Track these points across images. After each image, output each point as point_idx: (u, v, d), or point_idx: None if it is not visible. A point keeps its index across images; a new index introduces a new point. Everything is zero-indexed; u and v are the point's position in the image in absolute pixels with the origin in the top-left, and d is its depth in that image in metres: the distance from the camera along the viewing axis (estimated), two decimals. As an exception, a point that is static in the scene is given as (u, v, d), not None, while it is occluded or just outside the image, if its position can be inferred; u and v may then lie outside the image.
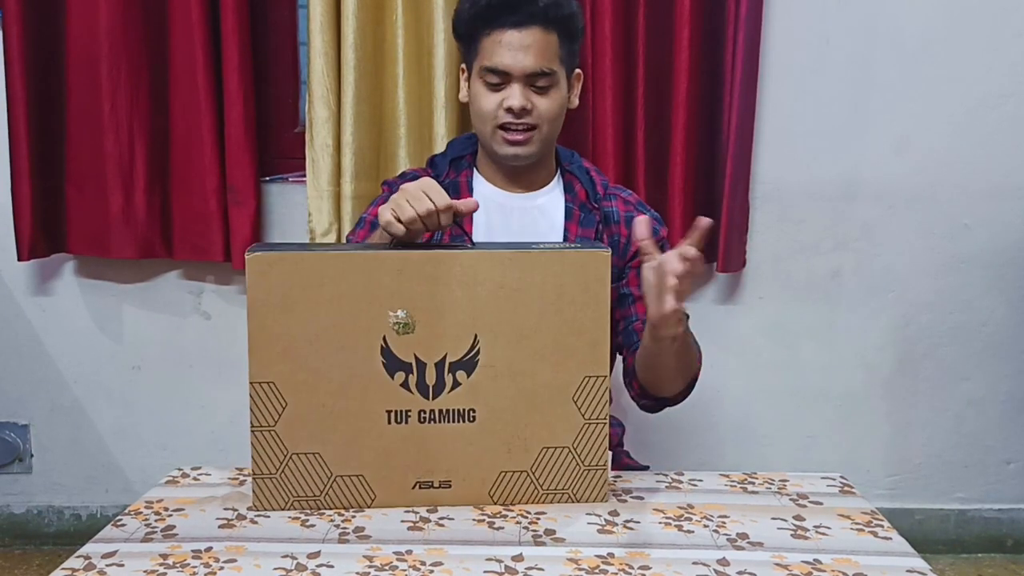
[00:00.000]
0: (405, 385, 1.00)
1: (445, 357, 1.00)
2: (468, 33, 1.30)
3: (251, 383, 0.97)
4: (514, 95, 1.24)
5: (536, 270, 1.01)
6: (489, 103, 1.26)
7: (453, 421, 1.01)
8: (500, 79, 1.25)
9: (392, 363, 1.00)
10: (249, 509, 1.02)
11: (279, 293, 0.97)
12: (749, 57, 1.91)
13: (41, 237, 1.96)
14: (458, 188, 1.33)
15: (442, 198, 1.02)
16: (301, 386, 0.98)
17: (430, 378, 1.00)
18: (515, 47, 1.23)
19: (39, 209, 1.94)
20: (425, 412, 1.01)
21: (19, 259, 1.96)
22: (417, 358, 1.00)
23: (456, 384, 1.01)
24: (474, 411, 1.02)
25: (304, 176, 1.96)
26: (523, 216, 1.34)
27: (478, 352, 1.01)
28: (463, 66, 1.35)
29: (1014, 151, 2.05)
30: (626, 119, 1.94)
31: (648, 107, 1.94)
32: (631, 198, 1.41)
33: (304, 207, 1.99)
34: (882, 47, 2.01)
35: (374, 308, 0.98)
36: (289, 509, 1.01)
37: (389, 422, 1.00)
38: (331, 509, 1.02)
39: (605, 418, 1.04)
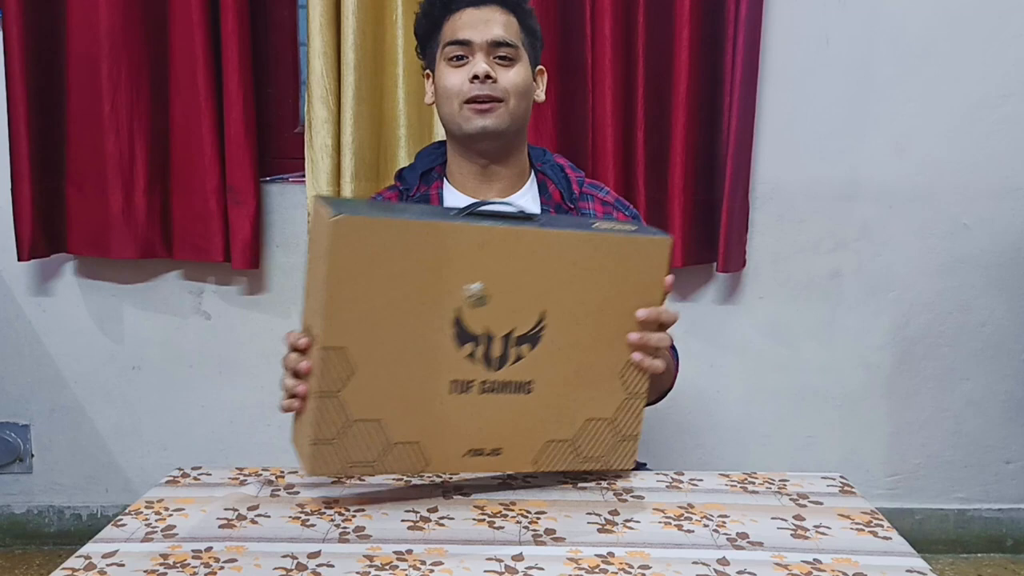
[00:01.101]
0: (472, 356, 0.99)
1: (513, 331, 1.00)
2: (430, 26, 1.29)
3: (323, 347, 0.93)
4: (477, 63, 1.22)
5: (607, 252, 1.02)
6: (454, 78, 1.24)
7: (511, 392, 1.02)
8: (463, 51, 1.24)
9: (462, 335, 0.98)
10: (250, 509, 1.02)
11: (362, 258, 0.92)
12: (749, 57, 1.91)
13: (41, 237, 1.96)
14: (428, 201, 1.31)
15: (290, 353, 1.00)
16: (372, 353, 0.95)
17: (496, 350, 1.00)
18: (475, 20, 1.24)
19: (39, 209, 1.94)
20: (487, 383, 1.01)
21: (19, 259, 1.96)
22: (488, 331, 0.99)
23: (519, 357, 1.01)
24: (531, 383, 1.02)
25: (304, 176, 1.96)
26: None
27: (543, 328, 1.01)
28: (427, 71, 1.32)
29: (1014, 151, 2.05)
30: (626, 119, 1.94)
31: (648, 107, 1.94)
32: (608, 197, 1.37)
33: (304, 207, 1.99)
34: (882, 47, 2.01)
35: (451, 279, 0.97)
36: (342, 476, 1.02)
37: (451, 392, 1.00)
38: (384, 475, 1.02)
39: (644, 392, 1.08)
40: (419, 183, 1.32)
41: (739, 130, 1.93)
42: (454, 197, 1.31)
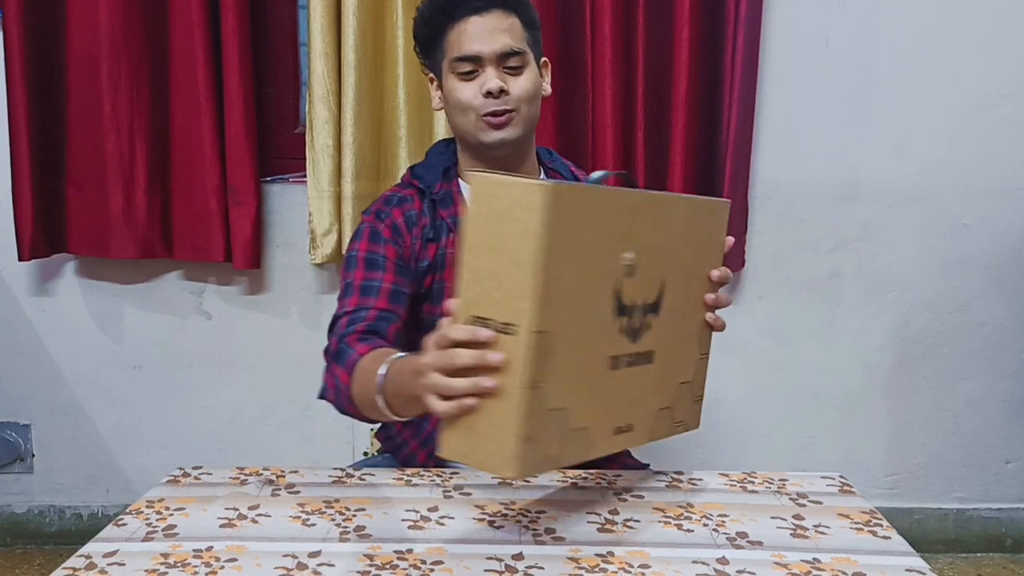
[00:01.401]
0: (624, 330, 0.96)
1: (647, 301, 0.98)
2: (431, 34, 1.27)
3: (534, 332, 0.82)
4: (489, 78, 1.21)
5: (699, 214, 1.04)
6: (466, 93, 1.23)
7: (641, 364, 0.99)
8: (473, 66, 1.22)
9: (620, 307, 0.94)
10: (251, 509, 1.02)
11: (567, 231, 0.84)
12: (749, 57, 1.91)
13: (42, 237, 1.96)
14: (451, 198, 1.30)
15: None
16: (564, 335, 0.86)
17: (636, 321, 0.97)
18: (481, 32, 1.22)
19: (40, 209, 1.94)
20: (630, 357, 0.98)
21: (20, 259, 1.96)
22: (633, 302, 0.96)
23: (647, 327, 0.99)
24: (653, 353, 1.01)
25: (304, 176, 1.97)
26: None
27: (663, 295, 1.00)
28: (430, 75, 1.31)
29: (1014, 151, 2.05)
30: (626, 119, 1.94)
31: (648, 107, 1.94)
32: None
33: (304, 207, 1.99)
34: (882, 47, 2.01)
35: (613, 249, 0.91)
36: (537, 474, 0.94)
37: (610, 368, 0.95)
38: (562, 468, 0.96)
39: (708, 351, 1.11)
40: (440, 180, 1.31)
41: (739, 130, 1.94)
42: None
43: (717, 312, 1.10)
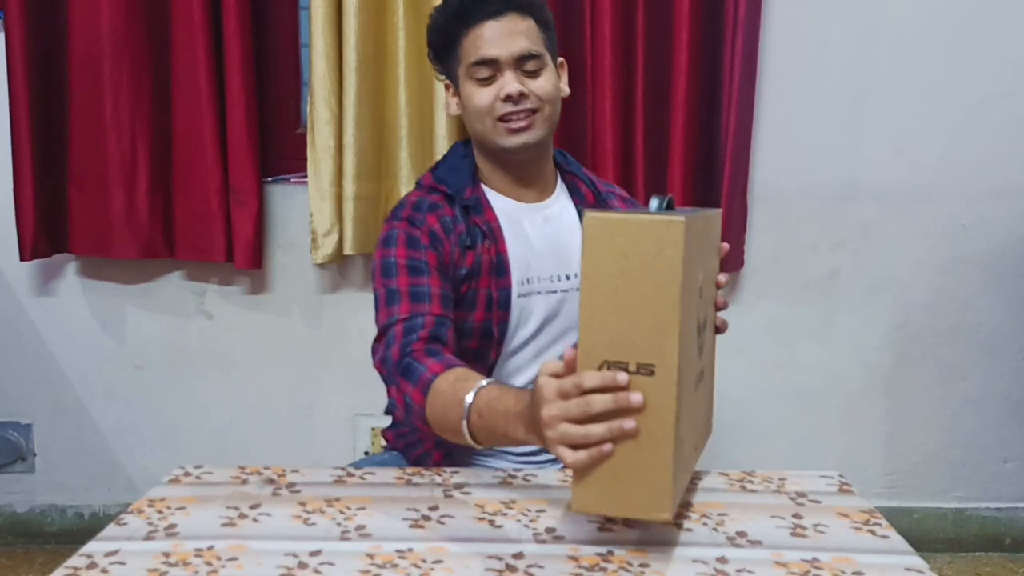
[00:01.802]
0: (699, 349, 0.96)
1: (704, 317, 1.00)
2: (447, 40, 1.26)
3: (674, 369, 0.81)
4: (508, 82, 1.21)
5: (715, 227, 1.07)
6: (484, 98, 1.22)
7: (700, 381, 1.00)
8: (490, 70, 1.22)
9: (697, 328, 0.95)
10: (252, 508, 1.03)
11: (686, 263, 0.82)
12: (748, 57, 1.92)
13: (43, 237, 1.97)
14: (481, 204, 1.27)
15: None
16: (685, 366, 0.85)
17: (701, 338, 0.98)
18: (498, 35, 1.21)
19: (41, 209, 1.95)
20: (699, 374, 0.99)
21: (22, 259, 1.96)
22: (700, 320, 0.97)
23: (704, 342, 1.01)
24: (704, 367, 1.03)
25: (306, 177, 1.97)
26: (544, 225, 1.29)
27: (708, 309, 1.03)
28: (446, 82, 1.31)
29: (1013, 151, 2.05)
30: (626, 119, 1.94)
31: (648, 107, 1.94)
32: (624, 195, 1.43)
33: (306, 208, 1.99)
34: (881, 47, 2.01)
35: (696, 273, 0.91)
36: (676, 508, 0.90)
37: (695, 390, 0.95)
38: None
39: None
40: (469, 184, 1.28)
41: (738, 130, 1.94)
42: (500, 201, 1.29)
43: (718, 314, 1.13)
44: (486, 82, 1.22)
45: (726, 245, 1.14)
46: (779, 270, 2.10)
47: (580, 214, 1.30)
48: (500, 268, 1.23)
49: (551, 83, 1.24)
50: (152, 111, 1.95)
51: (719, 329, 1.12)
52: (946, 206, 2.07)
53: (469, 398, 0.97)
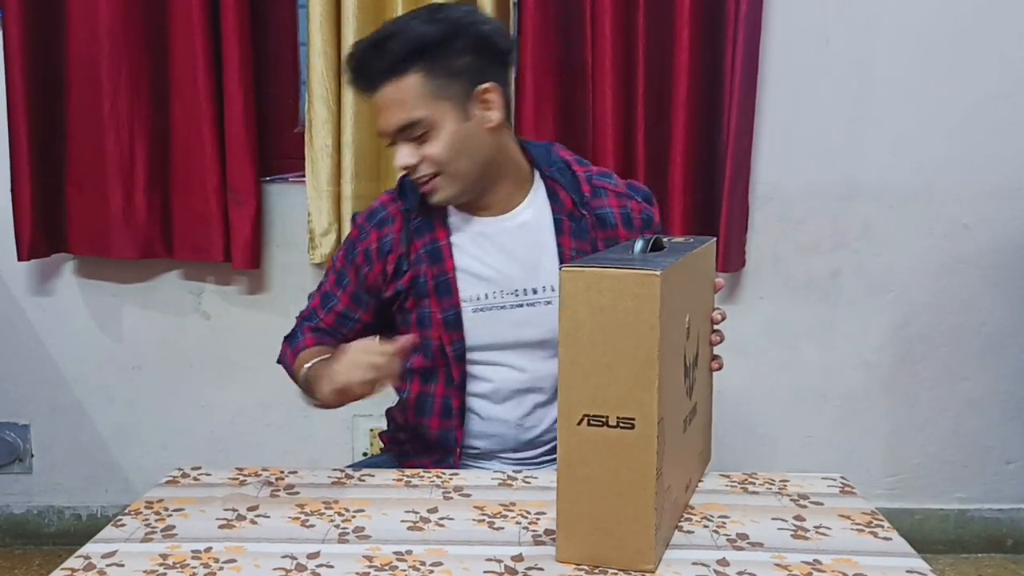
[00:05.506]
0: (687, 390, 0.95)
1: (694, 356, 0.98)
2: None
3: (657, 422, 0.81)
4: (399, 154, 1.18)
5: (707, 259, 1.06)
6: (398, 161, 1.20)
7: (693, 417, 1.00)
8: (389, 139, 1.20)
9: (685, 370, 0.94)
10: (250, 509, 1.02)
11: (665, 313, 0.81)
12: (749, 57, 1.91)
13: (41, 237, 1.96)
14: (431, 224, 1.24)
15: (380, 354, 1.07)
16: (669, 414, 0.86)
17: (691, 378, 0.97)
18: (381, 107, 1.18)
19: (39, 209, 1.94)
20: (689, 414, 0.98)
21: (19, 259, 1.96)
22: (687, 362, 0.95)
23: (694, 381, 1.00)
24: (697, 404, 1.03)
25: (304, 176, 1.97)
26: (507, 238, 1.24)
27: (699, 347, 1.02)
28: None
29: (1013, 151, 2.05)
30: (626, 119, 1.94)
31: (648, 107, 1.94)
32: (620, 187, 1.31)
33: (304, 207, 1.99)
34: (882, 47, 2.01)
35: (681, 317, 0.90)
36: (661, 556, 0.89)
37: (683, 432, 0.95)
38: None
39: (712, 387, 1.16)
40: (420, 202, 1.25)
41: (739, 130, 1.93)
42: (455, 217, 1.26)
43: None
44: (392, 146, 1.21)
45: (721, 281, 1.15)
46: (780, 270, 2.10)
47: (558, 224, 1.24)
48: (445, 288, 1.22)
49: (442, 144, 1.16)
50: (150, 110, 1.95)
51: (718, 364, 1.14)
52: (947, 206, 2.07)
53: (308, 365, 1.20)
